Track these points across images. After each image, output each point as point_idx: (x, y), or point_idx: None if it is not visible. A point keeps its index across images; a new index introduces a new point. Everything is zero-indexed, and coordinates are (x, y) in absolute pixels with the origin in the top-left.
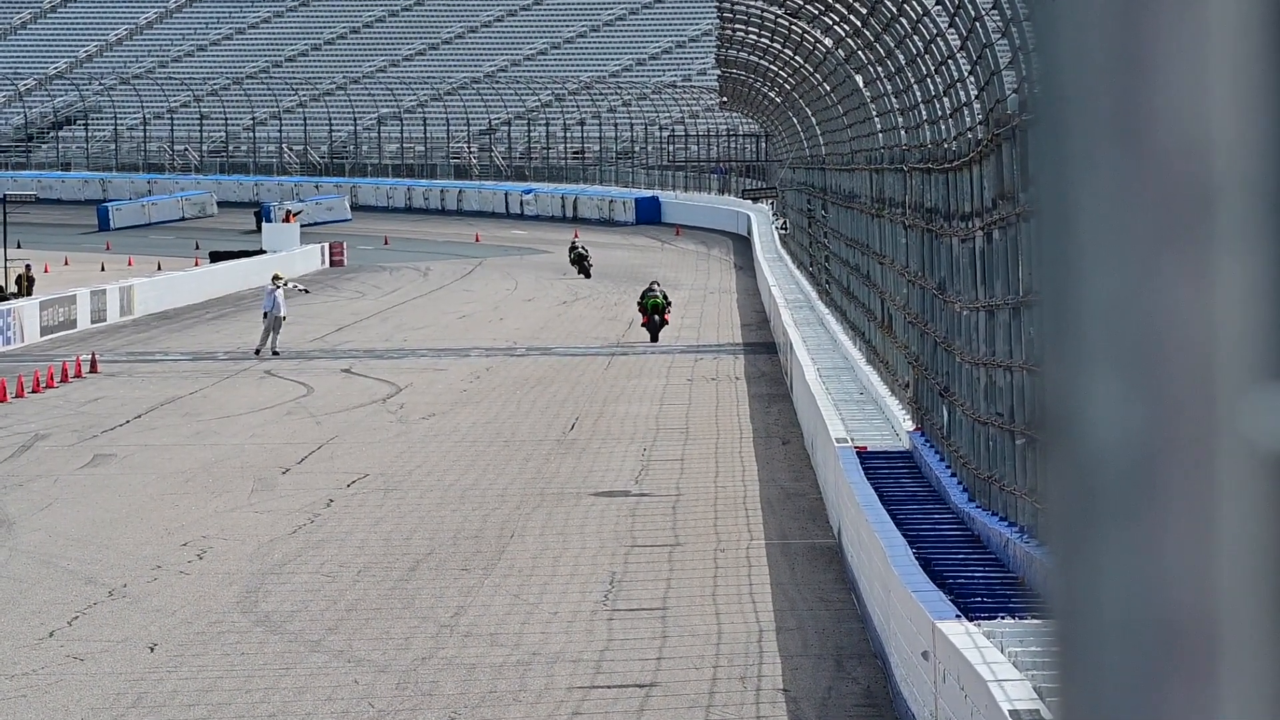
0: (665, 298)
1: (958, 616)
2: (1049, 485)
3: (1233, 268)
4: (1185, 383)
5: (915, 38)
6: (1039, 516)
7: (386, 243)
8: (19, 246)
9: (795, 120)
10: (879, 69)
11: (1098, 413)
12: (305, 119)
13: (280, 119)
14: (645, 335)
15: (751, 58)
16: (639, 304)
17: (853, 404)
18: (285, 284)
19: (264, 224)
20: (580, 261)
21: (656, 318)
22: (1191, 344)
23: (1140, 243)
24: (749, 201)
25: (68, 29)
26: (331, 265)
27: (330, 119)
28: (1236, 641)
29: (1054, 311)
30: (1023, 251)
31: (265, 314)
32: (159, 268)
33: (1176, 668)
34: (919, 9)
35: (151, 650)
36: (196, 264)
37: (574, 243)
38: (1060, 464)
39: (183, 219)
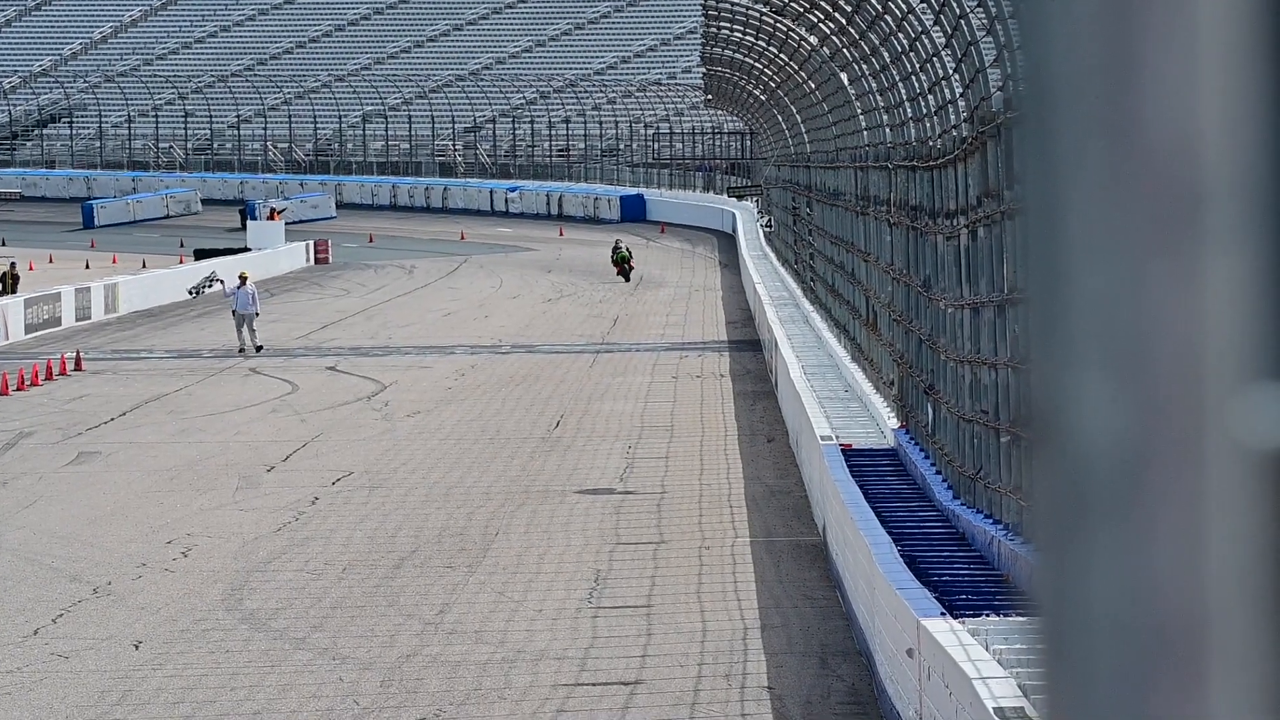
0: (628, 250)
1: (942, 614)
2: (1037, 484)
3: (1222, 267)
4: (1174, 382)
5: (900, 35)
6: (1026, 515)
7: (371, 240)
8: (3, 244)
9: (780, 118)
10: (864, 66)
11: (1086, 412)
12: (290, 116)
13: (265, 116)
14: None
15: (736, 55)
16: (611, 259)
17: (838, 401)
18: (207, 287)
19: (249, 222)
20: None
21: (626, 266)
22: (1180, 344)
23: (1129, 242)
24: (734, 199)
25: (52, 27)
26: (316, 263)
27: (315, 116)
28: (1226, 641)
29: (1042, 310)
30: (1008, 249)
31: (234, 312)
32: (144, 265)
33: (1166, 668)
34: (903, 7)
35: (136, 648)
36: (181, 262)
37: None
38: (1049, 463)
39: (167, 217)
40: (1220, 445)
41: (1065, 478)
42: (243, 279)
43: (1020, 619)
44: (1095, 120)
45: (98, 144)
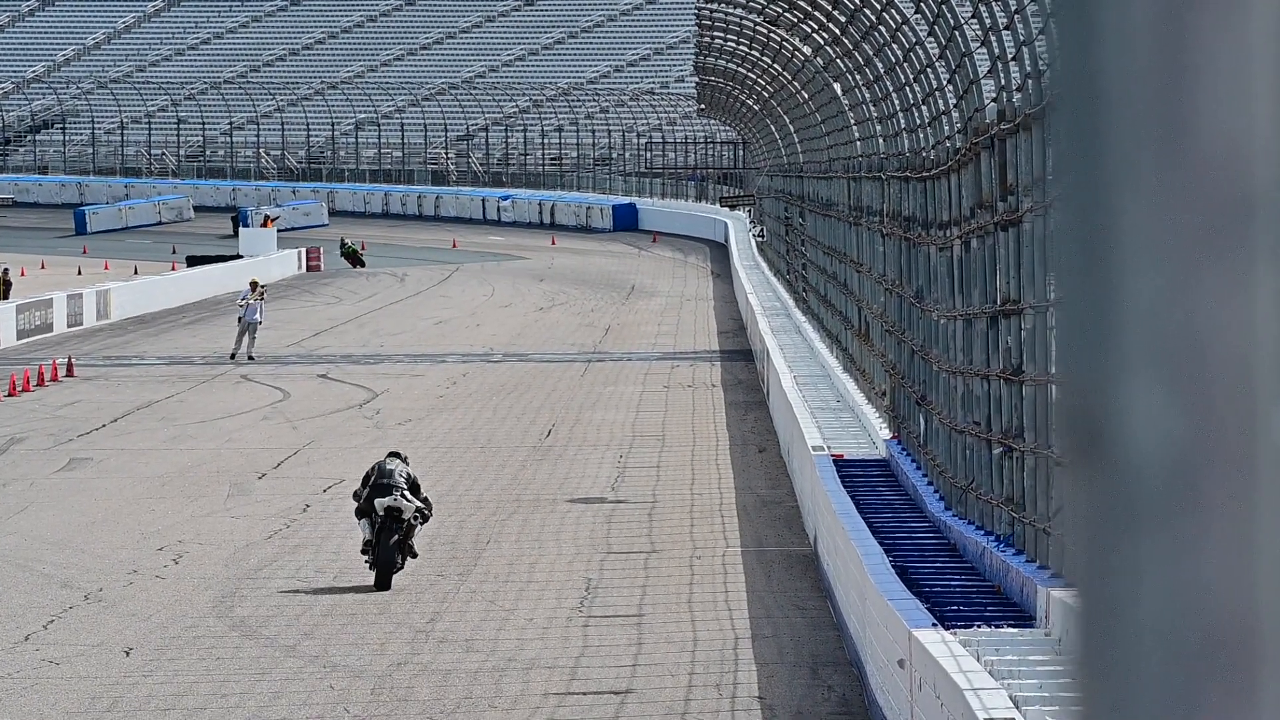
0: (354, 243)
1: (934, 625)
2: (1080, 492)
3: (1273, 275)
4: (1225, 390)
5: (894, 46)
6: (1067, 523)
7: (363, 248)
8: None
9: (773, 128)
10: (857, 77)
11: (1136, 419)
12: (283, 124)
13: (258, 124)
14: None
15: (730, 65)
16: (340, 253)
17: (829, 412)
18: (261, 293)
19: (241, 229)
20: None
21: (357, 256)
22: (1231, 352)
23: (1180, 249)
24: (726, 209)
25: (45, 33)
26: (308, 270)
27: (308, 124)
28: (1277, 649)
29: (1091, 317)
30: (1000, 260)
31: (240, 319)
32: (135, 272)
33: (1216, 675)
34: (898, 18)
35: (127, 655)
36: (173, 268)
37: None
38: (1095, 470)
39: (159, 223)
40: (1271, 453)
41: (1113, 484)
42: (254, 285)
43: (1012, 630)
44: (1146, 126)
45: (90, 150)
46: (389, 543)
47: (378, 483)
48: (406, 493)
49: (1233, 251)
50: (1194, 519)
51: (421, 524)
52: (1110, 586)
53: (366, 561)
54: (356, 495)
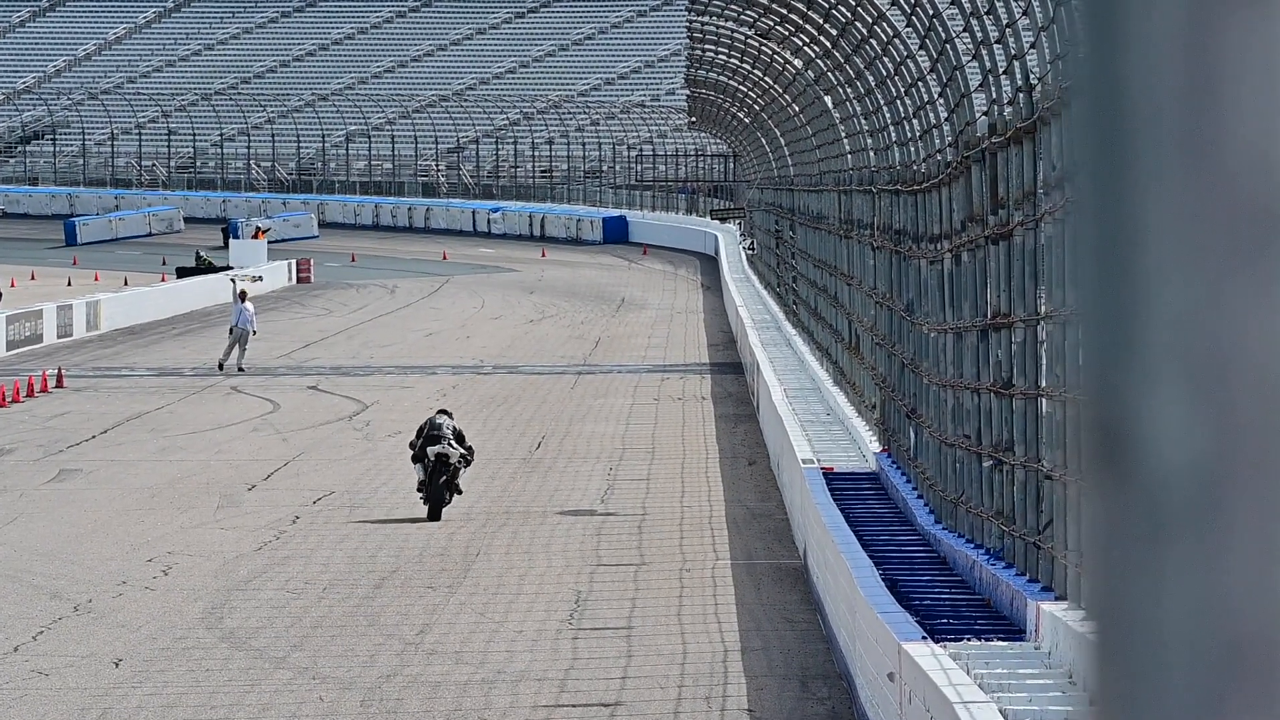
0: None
1: (923, 638)
2: (1101, 503)
3: None
4: (1251, 402)
5: (885, 59)
6: (1088, 532)
7: (354, 260)
8: None
9: (764, 141)
10: (848, 90)
11: (1161, 430)
12: (273, 135)
13: (249, 135)
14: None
15: (721, 78)
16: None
17: (819, 425)
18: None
19: (231, 240)
20: None
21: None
22: (1257, 362)
23: (1207, 260)
24: (716, 222)
25: (36, 44)
26: (299, 282)
27: (298, 135)
28: None
29: (1117, 328)
30: (990, 274)
31: (232, 328)
32: (125, 283)
33: (1240, 686)
34: (889, 31)
35: (116, 666)
36: (163, 280)
37: None
38: (1118, 481)
39: (150, 235)
40: None
41: (1137, 496)
42: (242, 296)
43: (1002, 643)
44: (1174, 138)
45: (81, 161)
46: (439, 483)
47: (429, 434)
48: (453, 442)
49: (1259, 261)
50: (1219, 531)
51: (465, 468)
52: (1132, 599)
53: (421, 497)
54: (412, 445)
